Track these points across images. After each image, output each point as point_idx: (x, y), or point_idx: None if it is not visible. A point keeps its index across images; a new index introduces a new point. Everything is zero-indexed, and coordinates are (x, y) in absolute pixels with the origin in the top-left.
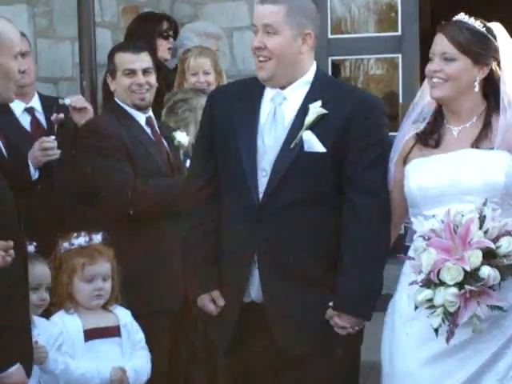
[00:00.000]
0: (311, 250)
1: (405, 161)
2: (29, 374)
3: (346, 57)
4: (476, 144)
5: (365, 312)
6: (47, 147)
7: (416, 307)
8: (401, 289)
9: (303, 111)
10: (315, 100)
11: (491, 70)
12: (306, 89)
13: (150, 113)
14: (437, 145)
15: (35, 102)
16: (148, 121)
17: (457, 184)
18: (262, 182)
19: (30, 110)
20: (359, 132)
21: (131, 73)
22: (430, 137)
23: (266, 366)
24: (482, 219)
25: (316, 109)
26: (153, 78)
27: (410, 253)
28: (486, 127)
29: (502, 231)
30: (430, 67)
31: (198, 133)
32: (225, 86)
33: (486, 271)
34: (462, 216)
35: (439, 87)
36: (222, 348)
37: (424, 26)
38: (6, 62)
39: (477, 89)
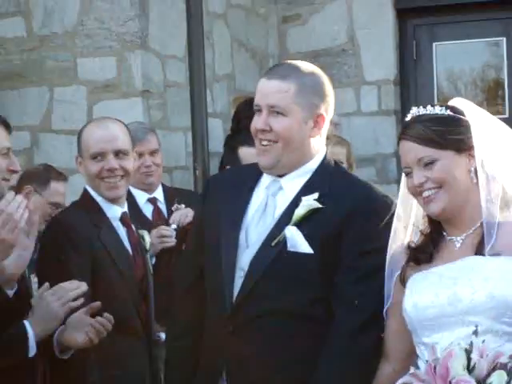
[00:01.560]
0: (289, 371)
1: (403, 279)
2: None
3: None
4: (479, 250)
5: None
6: (164, 234)
7: None
8: None
9: (295, 203)
10: (312, 192)
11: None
12: (305, 179)
13: None
14: (430, 259)
15: (158, 193)
16: None
17: (456, 301)
18: (238, 283)
19: (152, 200)
20: (356, 235)
21: None
22: (422, 253)
23: None
24: (469, 352)
25: (309, 202)
26: None
27: None
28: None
29: (495, 364)
30: (411, 183)
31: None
32: (222, 173)
33: None
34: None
35: (436, 199)
36: None
37: None
38: (86, 164)
39: (475, 180)
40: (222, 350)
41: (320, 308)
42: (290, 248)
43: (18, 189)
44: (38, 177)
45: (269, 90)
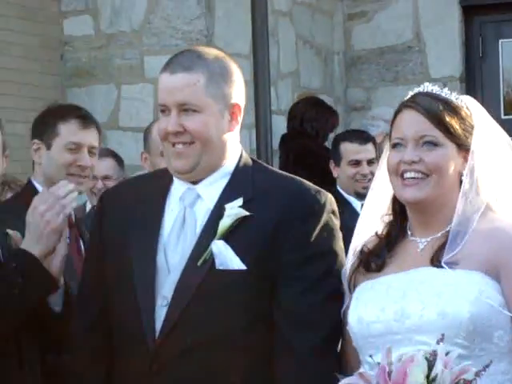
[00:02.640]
0: None
1: (353, 286)
2: None
3: None
4: (436, 259)
5: None
6: None
7: None
8: None
9: (218, 213)
10: (234, 197)
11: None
12: (224, 182)
13: None
14: (381, 267)
15: None
16: None
17: (403, 317)
18: (161, 315)
19: None
20: (295, 241)
21: (356, 163)
22: (374, 260)
23: None
24: (433, 362)
25: (233, 210)
26: (375, 167)
27: None
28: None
29: (458, 380)
30: (397, 158)
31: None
32: (122, 184)
33: None
34: None
35: (421, 185)
36: None
37: None
38: (153, 161)
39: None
40: None
41: (259, 333)
42: (218, 266)
43: None
44: None
45: (175, 86)
